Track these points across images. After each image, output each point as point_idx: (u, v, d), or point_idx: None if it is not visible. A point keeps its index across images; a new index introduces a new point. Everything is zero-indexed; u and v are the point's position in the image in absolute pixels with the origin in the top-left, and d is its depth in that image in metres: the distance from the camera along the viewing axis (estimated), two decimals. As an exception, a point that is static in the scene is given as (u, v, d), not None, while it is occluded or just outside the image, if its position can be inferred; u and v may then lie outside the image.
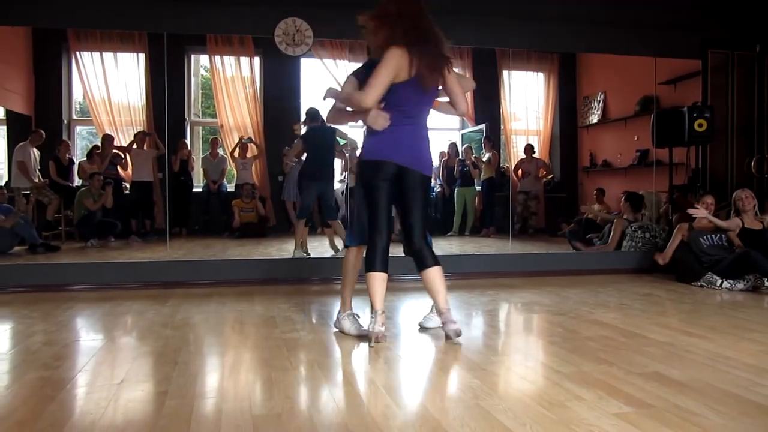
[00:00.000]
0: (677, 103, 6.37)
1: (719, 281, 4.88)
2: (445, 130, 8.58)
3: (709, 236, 5.14)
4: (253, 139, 7.69)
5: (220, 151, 8.06)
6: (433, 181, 8.14)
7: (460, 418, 2.10)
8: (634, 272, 5.84)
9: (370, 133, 3.14)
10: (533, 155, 8.07)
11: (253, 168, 7.79)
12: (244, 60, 7.84)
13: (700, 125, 5.68)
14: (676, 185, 6.35)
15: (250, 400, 2.26)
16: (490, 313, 4.15)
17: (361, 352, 3.03)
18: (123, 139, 7.49)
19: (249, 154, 7.74)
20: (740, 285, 4.83)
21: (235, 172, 7.90)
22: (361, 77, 3.17)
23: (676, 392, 2.34)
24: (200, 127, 8.46)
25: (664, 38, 6.01)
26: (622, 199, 6.57)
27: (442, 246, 6.90)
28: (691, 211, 5.15)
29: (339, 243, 5.92)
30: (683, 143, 5.96)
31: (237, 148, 7.69)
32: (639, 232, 6.07)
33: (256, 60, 7.85)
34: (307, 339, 3.23)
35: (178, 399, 2.27)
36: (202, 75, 8.60)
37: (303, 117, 6.12)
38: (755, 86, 6.33)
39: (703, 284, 4.97)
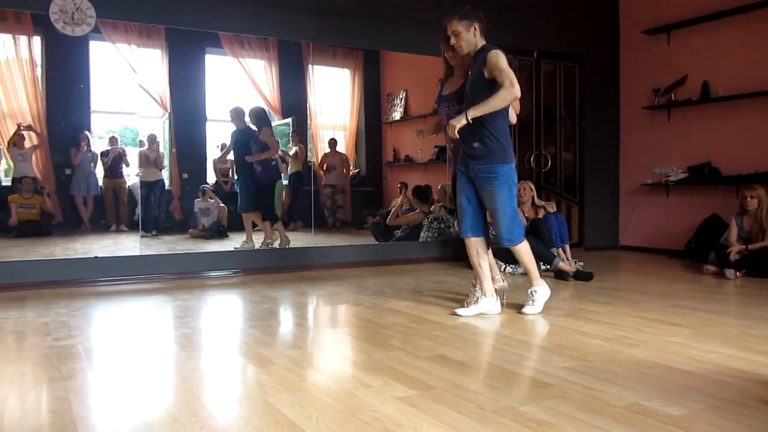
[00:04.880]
0: (469, 102, 6.82)
1: (503, 266, 5.30)
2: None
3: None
4: (33, 127, 6.89)
5: (-6, 141, 7.12)
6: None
7: (245, 417, 2.02)
8: (432, 261, 6.15)
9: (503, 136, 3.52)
10: (337, 149, 8.17)
11: (33, 159, 6.98)
12: (23, 39, 6.98)
13: (486, 123, 6.11)
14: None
15: (4, 419, 1.99)
16: (288, 306, 4.11)
17: (142, 357, 2.82)
18: None
19: (28, 144, 6.93)
20: (521, 269, 5.29)
21: (12, 164, 7.02)
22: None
23: (457, 372, 2.47)
24: (-32, 114, 7.41)
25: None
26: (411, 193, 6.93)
27: (248, 241, 6.75)
28: None
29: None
30: (474, 139, 6.37)
31: (14, 138, 6.84)
32: (435, 222, 6.41)
33: (36, 40, 7.03)
34: (84, 346, 2.94)
35: None
36: (-29, 54, 7.53)
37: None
38: (533, 88, 6.99)
39: (490, 269, 5.37)
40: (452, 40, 3.54)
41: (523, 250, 3.67)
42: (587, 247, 7.19)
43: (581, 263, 5.38)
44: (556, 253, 5.18)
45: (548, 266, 5.15)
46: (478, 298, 3.70)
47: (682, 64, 6.73)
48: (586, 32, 7.24)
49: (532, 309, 3.67)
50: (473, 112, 3.32)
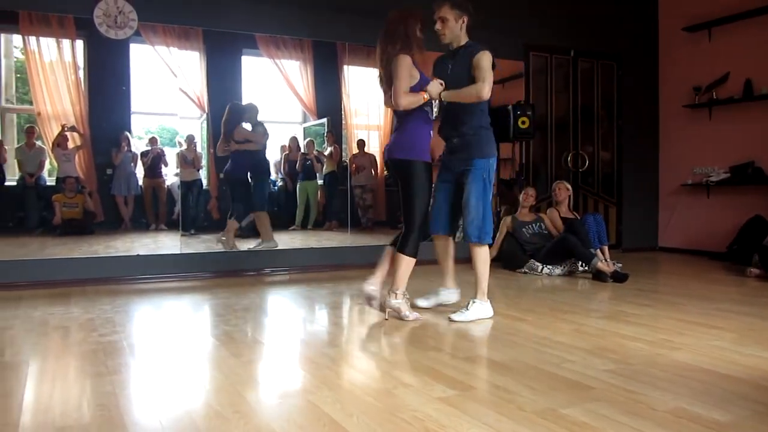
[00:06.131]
0: (505, 102, 6.76)
1: (540, 267, 5.26)
2: (287, 124, 8.46)
3: (530, 225, 5.52)
4: (76, 128, 7.07)
5: (39, 142, 7.32)
6: (274, 174, 8.05)
7: (287, 413, 2.05)
8: (467, 261, 6.12)
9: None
10: (366, 150, 8.19)
11: (76, 160, 7.16)
12: (66, 43, 7.16)
13: (523, 122, 6.06)
14: (502, 179, 6.74)
15: (55, 412, 2.05)
16: (325, 305, 4.15)
17: (185, 353, 2.88)
18: None
19: (71, 145, 7.11)
20: (558, 270, 5.24)
21: (56, 164, 7.21)
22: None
23: (495, 373, 2.46)
24: (14, 115, 7.62)
25: (492, 41, 6.32)
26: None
27: (284, 240, 6.80)
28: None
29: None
30: (509, 139, 6.33)
31: (58, 138, 7.02)
32: (471, 223, 6.39)
33: (79, 43, 7.21)
34: (129, 342, 3.01)
35: (-34, 417, 2.00)
36: (16, 57, 7.75)
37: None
38: (570, 87, 6.91)
39: (526, 271, 5.33)
40: (437, 25, 3.49)
41: (484, 255, 3.57)
42: (625, 248, 7.09)
43: (620, 264, 5.29)
44: (594, 254, 5.11)
45: (586, 267, 5.08)
46: (439, 291, 3.85)
47: (723, 62, 6.58)
48: (624, 30, 7.13)
49: (461, 316, 3.46)
50: (447, 95, 3.39)
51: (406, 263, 3.45)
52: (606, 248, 5.41)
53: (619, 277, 4.83)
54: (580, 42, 6.90)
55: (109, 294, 4.35)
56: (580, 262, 5.17)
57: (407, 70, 3.34)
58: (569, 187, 5.65)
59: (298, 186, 7.86)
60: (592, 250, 5.16)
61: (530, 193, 5.65)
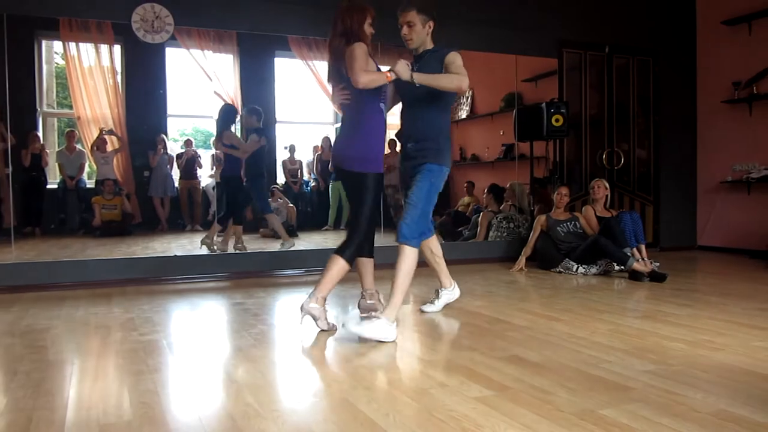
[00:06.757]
0: (539, 100, 6.70)
1: (575, 267, 5.20)
2: (319, 124, 8.52)
3: (565, 224, 5.46)
4: (114, 131, 7.22)
5: (78, 145, 7.50)
6: (307, 175, 8.10)
7: (323, 412, 2.07)
8: (500, 261, 6.10)
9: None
10: (396, 149, 8.18)
11: (114, 162, 7.32)
12: (104, 48, 7.33)
13: (557, 120, 6.01)
14: (536, 178, 6.69)
15: (98, 409, 2.10)
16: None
17: (223, 352, 2.93)
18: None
19: (109, 148, 7.27)
20: (593, 269, 5.18)
21: (95, 166, 7.38)
22: None
23: (532, 373, 2.45)
24: (55, 119, 7.82)
25: (524, 38, 6.31)
26: (485, 191, 6.86)
27: (316, 240, 6.87)
28: None
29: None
30: (542, 137, 6.27)
31: (97, 141, 7.20)
32: (504, 222, 6.35)
33: (117, 48, 7.37)
34: (168, 341, 3.07)
35: (15, 413, 2.06)
36: (56, 63, 7.95)
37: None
38: (605, 84, 6.82)
39: (561, 270, 5.28)
40: (404, 30, 3.37)
41: (410, 262, 3.20)
42: (663, 248, 6.96)
43: (657, 264, 5.20)
44: (630, 254, 5.02)
45: (622, 267, 5.01)
46: (438, 291, 3.78)
47: (764, 56, 6.41)
48: (660, 24, 7.00)
49: (361, 329, 2.97)
50: (420, 77, 3.06)
51: (340, 268, 3.20)
52: (643, 247, 5.31)
53: (657, 277, 4.75)
54: (614, 38, 6.80)
55: (148, 294, 4.44)
56: (615, 263, 5.10)
57: (364, 53, 3.09)
58: (607, 185, 5.57)
59: (330, 186, 7.90)
60: (628, 250, 5.06)
61: (564, 192, 5.58)
